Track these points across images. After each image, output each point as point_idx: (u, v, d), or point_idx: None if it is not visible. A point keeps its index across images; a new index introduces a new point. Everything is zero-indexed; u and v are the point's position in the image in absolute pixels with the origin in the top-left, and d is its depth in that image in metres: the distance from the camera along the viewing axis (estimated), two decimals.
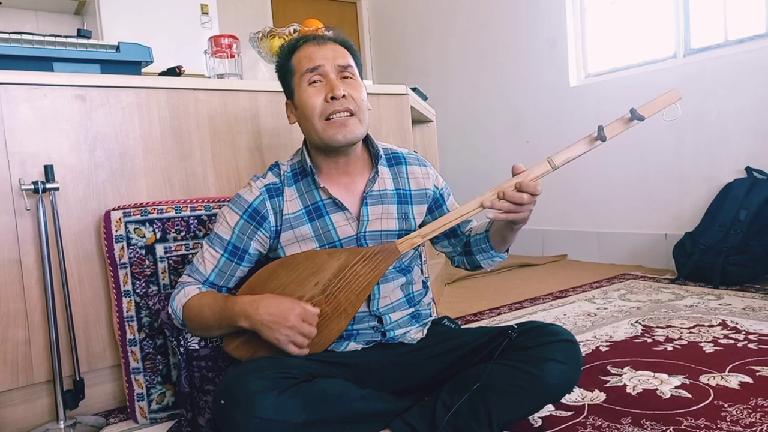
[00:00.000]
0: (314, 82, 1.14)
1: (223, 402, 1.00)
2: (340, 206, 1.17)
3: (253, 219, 1.16)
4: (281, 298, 1.08)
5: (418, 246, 1.20)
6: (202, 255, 1.19)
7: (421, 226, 1.30)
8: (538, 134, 3.47)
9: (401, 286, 1.22)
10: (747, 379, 1.36)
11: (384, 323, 1.19)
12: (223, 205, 1.23)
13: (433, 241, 1.32)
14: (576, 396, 1.33)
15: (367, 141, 1.23)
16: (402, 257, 1.19)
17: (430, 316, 1.31)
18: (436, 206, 1.31)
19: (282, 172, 1.20)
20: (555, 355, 1.06)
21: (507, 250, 1.28)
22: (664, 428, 1.14)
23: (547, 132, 3.41)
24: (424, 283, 1.33)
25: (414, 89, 2.29)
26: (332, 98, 1.11)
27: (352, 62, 1.18)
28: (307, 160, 1.18)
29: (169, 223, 1.41)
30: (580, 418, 1.22)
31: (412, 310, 1.24)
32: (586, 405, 1.28)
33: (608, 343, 1.70)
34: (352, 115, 1.13)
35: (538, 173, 1.09)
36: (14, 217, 1.34)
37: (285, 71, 1.20)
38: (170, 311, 1.20)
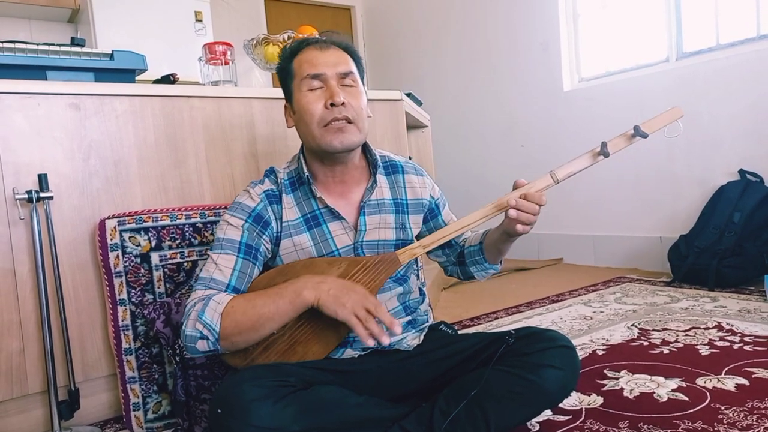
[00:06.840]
0: (315, 88, 1.13)
1: (219, 410, 0.99)
2: (336, 216, 1.17)
3: (257, 223, 1.14)
4: (345, 281, 1.06)
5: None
6: (215, 264, 1.09)
7: (417, 235, 1.29)
8: (533, 138, 3.48)
9: (398, 296, 1.22)
10: (743, 381, 1.36)
11: None
12: (221, 214, 1.19)
13: (428, 250, 1.32)
14: (573, 400, 1.33)
15: (365, 149, 1.22)
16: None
17: (427, 321, 1.30)
18: (431, 216, 1.31)
19: (279, 180, 1.19)
20: (553, 362, 1.06)
21: (500, 262, 1.28)
22: (662, 431, 1.15)
23: (542, 136, 3.42)
24: (421, 290, 1.32)
25: (408, 95, 2.29)
26: (332, 105, 1.10)
27: (354, 68, 1.16)
28: (304, 168, 1.17)
29: (164, 231, 1.41)
30: (578, 423, 1.22)
31: (409, 318, 1.24)
32: (584, 409, 1.28)
33: (605, 347, 1.71)
34: (350, 122, 1.12)
35: (541, 186, 1.10)
36: (8, 226, 1.33)
37: (285, 74, 1.18)
38: (201, 327, 1.01)
